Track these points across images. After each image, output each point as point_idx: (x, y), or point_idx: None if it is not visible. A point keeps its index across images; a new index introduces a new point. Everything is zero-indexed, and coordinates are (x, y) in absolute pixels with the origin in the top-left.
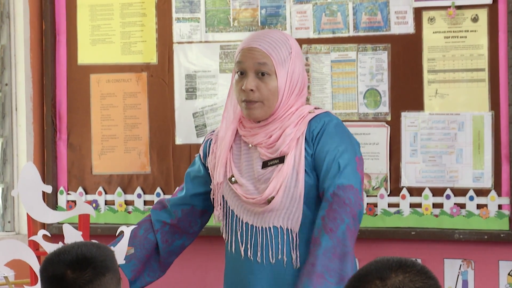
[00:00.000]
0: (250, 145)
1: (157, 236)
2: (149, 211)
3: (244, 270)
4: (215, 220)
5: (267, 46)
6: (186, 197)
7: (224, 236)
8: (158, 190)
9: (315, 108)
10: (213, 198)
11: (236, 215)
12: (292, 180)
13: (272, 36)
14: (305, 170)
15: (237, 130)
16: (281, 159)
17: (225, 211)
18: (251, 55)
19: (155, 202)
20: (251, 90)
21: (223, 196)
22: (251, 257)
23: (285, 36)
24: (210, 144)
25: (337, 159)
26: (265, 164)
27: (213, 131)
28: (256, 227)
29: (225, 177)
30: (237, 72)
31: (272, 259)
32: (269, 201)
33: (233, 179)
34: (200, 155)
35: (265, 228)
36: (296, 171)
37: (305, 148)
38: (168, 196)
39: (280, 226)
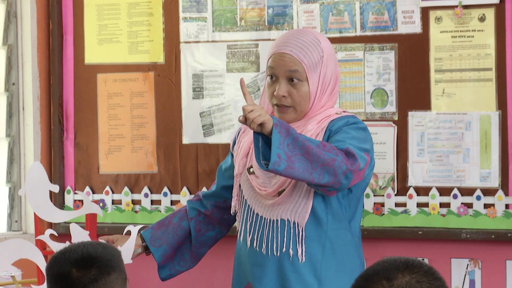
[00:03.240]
0: None
1: (190, 224)
2: (156, 210)
3: (250, 260)
4: (232, 210)
5: (297, 51)
6: (217, 190)
7: (237, 224)
8: (165, 189)
9: (343, 111)
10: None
11: (249, 205)
12: None
13: (303, 40)
14: None
15: None
16: None
17: (240, 200)
18: (282, 62)
19: (161, 201)
20: (283, 96)
21: (239, 185)
22: (257, 248)
23: (317, 38)
24: (239, 134)
25: (348, 139)
26: None
27: None
28: (265, 218)
29: (244, 168)
30: (269, 75)
31: (277, 252)
32: (279, 193)
33: (251, 169)
34: (231, 145)
35: (273, 220)
36: None
37: None
38: (177, 195)
39: (288, 219)
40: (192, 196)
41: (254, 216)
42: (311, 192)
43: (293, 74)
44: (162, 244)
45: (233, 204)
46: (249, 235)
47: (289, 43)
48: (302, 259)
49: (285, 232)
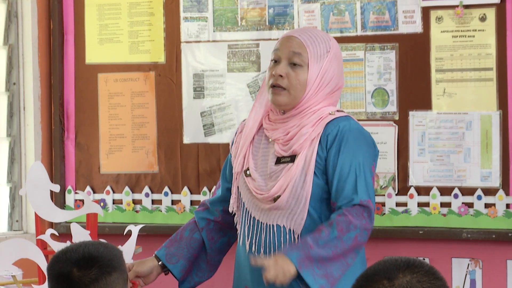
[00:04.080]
0: (270, 139)
1: (202, 234)
2: (156, 210)
3: (248, 264)
4: (230, 209)
5: (306, 38)
6: (223, 193)
7: (237, 227)
8: (166, 189)
9: (337, 111)
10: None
11: (246, 208)
12: (300, 181)
13: (315, 32)
14: (314, 172)
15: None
16: (292, 158)
17: (238, 202)
18: (288, 44)
19: (162, 201)
20: (280, 76)
21: (238, 187)
22: (255, 252)
23: (327, 36)
24: (236, 134)
25: (353, 169)
26: (278, 161)
27: (244, 120)
28: (261, 223)
29: (242, 168)
30: (272, 60)
31: None
32: (275, 199)
33: (247, 172)
34: (230, 145)
35: (270, 225)
36: (305, 172)
37: (318, 151)
38: (178, 195)
39: (283, 226)
40: (192, 195)
41: (252, 219)
42: (307, 198)
43: (296, 57)
44: (179, 260)
45: (231, 202)
46: (248, 239)
47: (300, 31)
48: None
49: (282, 238)
